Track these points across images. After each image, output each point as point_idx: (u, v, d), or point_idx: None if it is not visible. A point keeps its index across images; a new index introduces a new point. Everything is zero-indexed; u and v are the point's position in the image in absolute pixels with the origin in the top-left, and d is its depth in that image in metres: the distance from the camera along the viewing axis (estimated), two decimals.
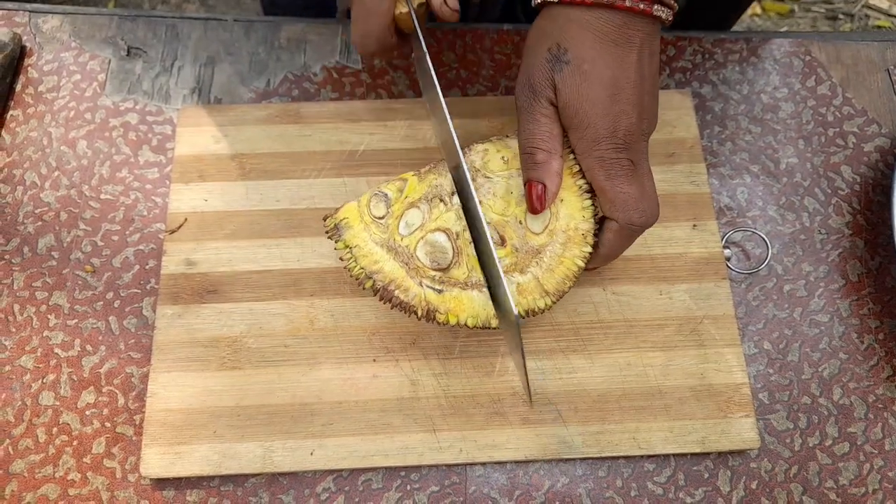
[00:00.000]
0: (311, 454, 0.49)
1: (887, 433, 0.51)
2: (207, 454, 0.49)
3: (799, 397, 0.52)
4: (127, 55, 0.62)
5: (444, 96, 0.47)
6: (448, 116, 0.46)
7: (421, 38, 0.49)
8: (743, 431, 0.50)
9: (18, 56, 0.61)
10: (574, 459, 0.50)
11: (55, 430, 0.50)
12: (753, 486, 0.50)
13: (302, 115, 0.59)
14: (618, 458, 0.50)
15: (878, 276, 0.56)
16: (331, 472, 0.50)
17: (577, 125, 0.43)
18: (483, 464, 0.50)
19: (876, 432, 0.51)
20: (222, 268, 0.54)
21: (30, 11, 0.63)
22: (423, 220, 0.47)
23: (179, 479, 0.49)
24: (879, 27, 1.62)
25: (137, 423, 0.51)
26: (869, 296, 0.55)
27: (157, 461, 0.49)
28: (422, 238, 0.46)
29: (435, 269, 0.46)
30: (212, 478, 0.49)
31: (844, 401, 0.52)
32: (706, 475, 0.50)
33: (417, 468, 0.50)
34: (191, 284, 0.54)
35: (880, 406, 0.52)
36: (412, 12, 0.48)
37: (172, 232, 0.55)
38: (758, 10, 1.66)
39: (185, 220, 0.55)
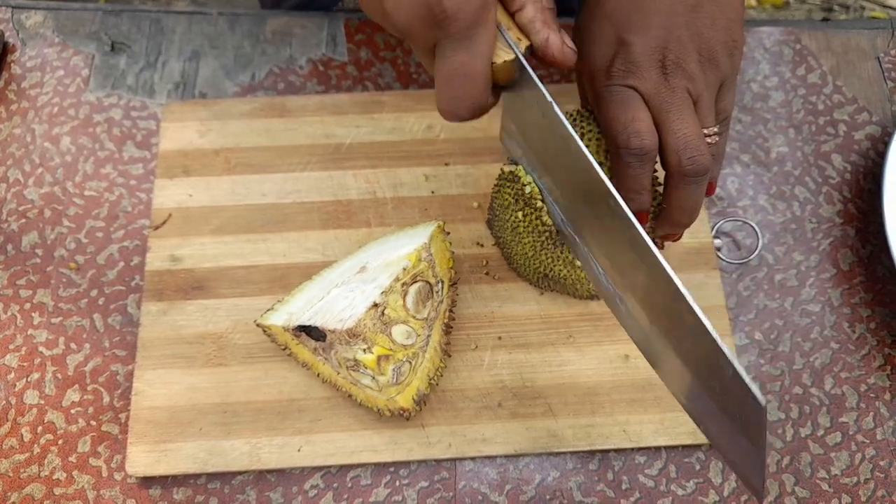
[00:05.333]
0: (299, 451, 0.49)
1: (879, 422, 0.51)
2: (194, 452, 0.49)
3: (790, 388, 0.52)
4: (111, 50, 0.61)
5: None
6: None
7: (541, 85, 0.39)
8: None
9: (1, 52, 0.61)
10: (564, 453, 0.49)
11: (40, 429, 0.50)
12: None
13: (287, 109, 0.58)
14: (608, 450, 0.50)
15: (870, 265, 0.55)
16: (319, 468, 0.49)
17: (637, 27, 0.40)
18: (473, 458, 0.49)
19: (868, 422, 0.51)
20: (208, 263, 0.54)
21: (12, 7, 0.63)
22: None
23: (166, 477, 0.49)
24: (874, 18, 1.62)
25: (123, 421, 0.50)
26: (860, 284, 0.55)
27: (142, 459, 0.48)
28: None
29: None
30: (198, 475, 0.49)
31: (836, 391, 0.52)
32: (698, 467, 0.50)
33: (406, 463, 0.49)
34: (176, 280, 0.53)
35: (872, 395, 0.51)
36: (520, 58, 0.38)
37: (157, 228, 0.54)
38: (752, 1, 1.65)
39: (170, 215, 0.55)
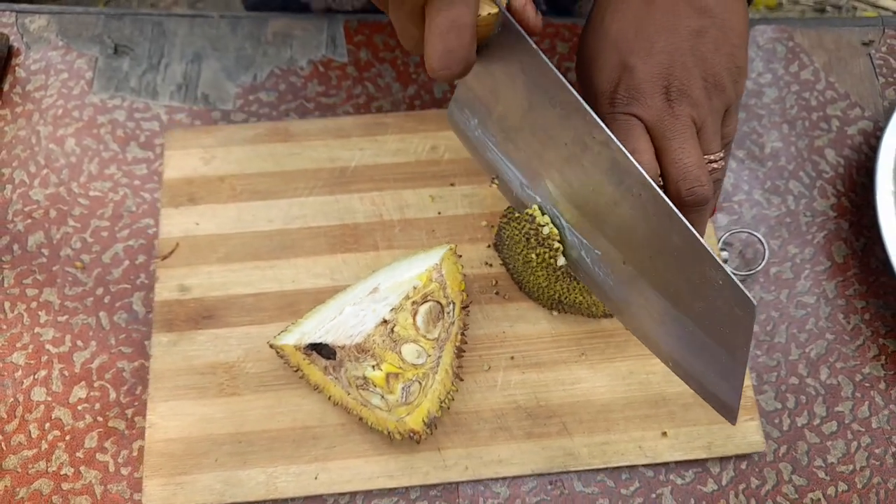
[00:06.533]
0: (316, 478, 0.49)
1: (874, 411, 0.52)
2: (210, 483, 0.49)
3: (787, 378, 0.52)
4: (114, 53, 0.62)
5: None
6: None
7: (525, 34, 0.39)
8: (748, 435, 0.49)
9: (6, 56, 0.62)
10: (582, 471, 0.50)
11: (48, 425, 0.51)
12: (743, 466, 0.50)
13: (291, 133, 0.58)
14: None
15: (864, 257, 0.56)
16: (336, 495, 0.49)
17: (640, 49, 0.41)
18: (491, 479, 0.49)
19: (863, 411, 0.52)
20: (216, 292, 0.54)
21: (17, 12, 0.64)
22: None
23: None
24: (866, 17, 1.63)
25: (129, 417, 0.51)
26: (854, 277, 0.55)
27: (158, 493, 0.48)
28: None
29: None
30: None
31: (832, 380, 0.52)
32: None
33: None
34: (185, 311, 0.53)
35: (867, 385, 0.52)
36: (503, 10, 0.39)
37: (165, 258, 0.54)
38: None
39: (177, 245, 0.55)
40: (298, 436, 0.50)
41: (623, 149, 0.38)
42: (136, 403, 0.51)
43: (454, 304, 0.49)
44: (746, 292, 0.35)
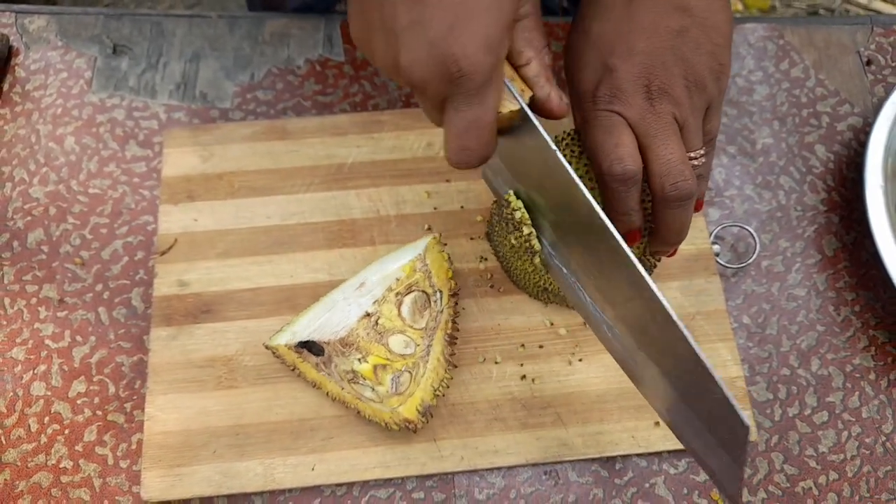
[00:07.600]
0: (313, 469, 0.49)
1: (864, 401, 0.52)
2: (208, 475, 0.49)
3: (778, 369, 0.53)
4: (113, 53, 0.63)
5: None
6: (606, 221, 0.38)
7: (545, 134, 0.40)
8: None
9: (6, 56, 0.62)
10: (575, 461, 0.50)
11: (47, 419, 0.51)
12: None
13: (288, 131, 0.59)
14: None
15: (854, 251, 0.57)
16: (334, 486, 0.50)
17: (622, 52, 0.41)
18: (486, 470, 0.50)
19: (853, 401, 0.52)
20: (215, 287, 0.54)
21: (16, 12, 0.64)
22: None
23: (182, 501, 0.49)
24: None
25: (128, 410, 0.51)
26: (844, 269, 0.56)
27: (157, 484, 0.49)
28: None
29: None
30: (214, 498, 0.49)
31: (823, 371, 0.53)
32: None
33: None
34: (184, 305, 0.54)
35: (857, 376, 0.53)
36: (525, 109, 0.39)
37: (163, 253, 0.55)
38: (739, 6, 1.68)
39: (176, 240, 0.55)
40: (296, 428, 0.50)
41: (635, 261, 0.37)
42: (134, 397, 0.52)
43: (441, 292, 0.50)
44: (742, 414, 0.33)
